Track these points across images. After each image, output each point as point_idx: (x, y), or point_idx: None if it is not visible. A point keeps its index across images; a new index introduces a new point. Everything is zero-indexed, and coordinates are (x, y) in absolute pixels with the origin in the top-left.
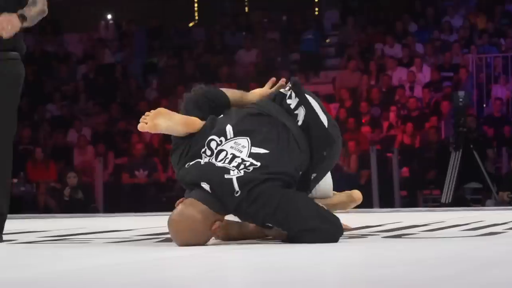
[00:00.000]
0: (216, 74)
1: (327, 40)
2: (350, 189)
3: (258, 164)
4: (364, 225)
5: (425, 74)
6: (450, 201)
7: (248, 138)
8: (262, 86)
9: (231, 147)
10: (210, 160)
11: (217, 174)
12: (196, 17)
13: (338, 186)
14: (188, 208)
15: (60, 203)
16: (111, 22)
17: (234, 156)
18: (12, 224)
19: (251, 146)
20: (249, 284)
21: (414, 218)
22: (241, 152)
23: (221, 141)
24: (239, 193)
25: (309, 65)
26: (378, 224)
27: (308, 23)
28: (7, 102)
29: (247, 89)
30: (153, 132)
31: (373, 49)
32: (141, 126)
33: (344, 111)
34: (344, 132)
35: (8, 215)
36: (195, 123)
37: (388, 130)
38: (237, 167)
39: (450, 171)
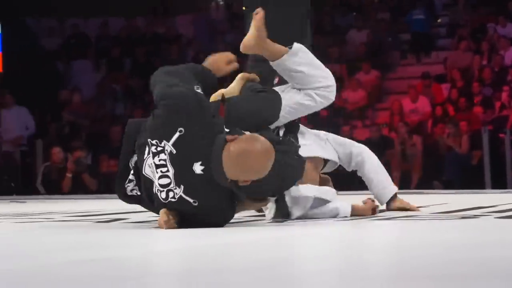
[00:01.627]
0: (326, 55)
1: (438, 20)
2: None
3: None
4: (476, 206)
5: None
6: None
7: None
8: (372, 66)
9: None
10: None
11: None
12: None
13: (450, 167)
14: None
15: None
16: (221, 3)
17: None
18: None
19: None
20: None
21: None
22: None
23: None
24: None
25: (420, 45)
26: (490, 205)
27: (418, 3)
28: None
29: (359, 69)
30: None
31: (485, 29)
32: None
33: (456, 91)
34: (456, 112)
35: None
36: None
37: (501, 111)
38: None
39: None
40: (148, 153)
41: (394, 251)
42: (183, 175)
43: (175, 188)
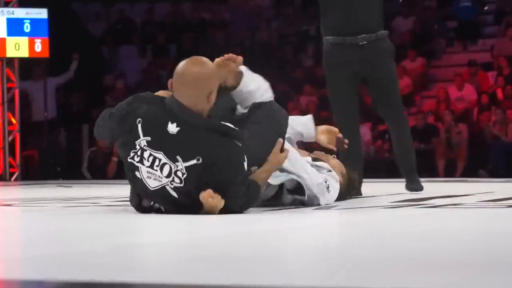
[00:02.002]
0: None
1: (485, 8)
2: (508, 159)
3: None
4: None
5: None
6: None
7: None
8: (418, 54)
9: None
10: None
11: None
12: None
13: (496, 156)
14: None
15: None
16: None
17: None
18: None
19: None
20: None
21: None
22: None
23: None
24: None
25: (467, 33)
26: None
27: None
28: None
29: (405, 56)
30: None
31: None
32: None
33: (502, 79)
34: (502, 100)
35: None
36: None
37: None
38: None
39: None
40: (140, 161)
41: (446, 239)
42: (163, 143)
43: (175, 167)
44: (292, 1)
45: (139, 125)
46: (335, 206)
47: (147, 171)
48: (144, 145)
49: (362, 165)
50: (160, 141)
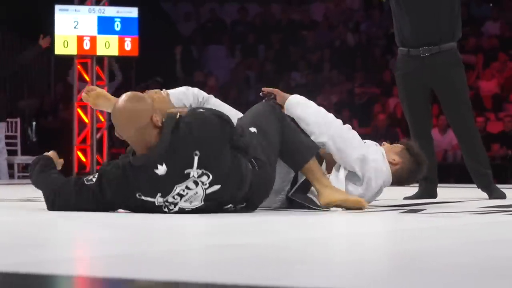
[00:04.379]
0: (462, 45)
1: None
2: None
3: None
4: None
5: None
6: None
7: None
8: (509, 58)
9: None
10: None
11: None
12: None
13: None
14: None
15: None
16: None
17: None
18: None
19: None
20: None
21: None
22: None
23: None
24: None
25: None
26: None
27: None
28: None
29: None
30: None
31: None
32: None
33: None
34: None
35: None
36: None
37: None
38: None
39: None
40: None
41: None
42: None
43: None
44: (381, 3)
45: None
46: (422, 210)
47: (184, 201)
48: (166, 200)
49: (436, 171)
50: (167, 185)
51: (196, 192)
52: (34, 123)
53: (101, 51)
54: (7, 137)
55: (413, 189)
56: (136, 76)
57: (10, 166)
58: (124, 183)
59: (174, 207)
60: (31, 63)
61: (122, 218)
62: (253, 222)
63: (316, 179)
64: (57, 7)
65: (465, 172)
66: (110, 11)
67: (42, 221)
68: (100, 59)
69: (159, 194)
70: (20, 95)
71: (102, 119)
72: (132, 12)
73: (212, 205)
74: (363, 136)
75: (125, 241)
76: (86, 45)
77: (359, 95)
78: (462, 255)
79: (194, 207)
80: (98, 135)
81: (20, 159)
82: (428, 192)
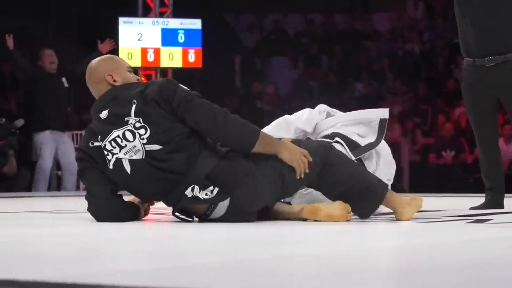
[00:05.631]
0: None
1: None
2: None
3: None
4: None
5: None
6: None
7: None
8: None
9: None
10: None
11: None
12: None
13: None
14: None
15: None
16: (420, 1)
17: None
18: None
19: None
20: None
21: None
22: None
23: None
24: None
25: None
26: None
27: None
28: None
29: None
30: None
31: None
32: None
33: None
34: None
35: None
36: None
37: None
38: None
39: None
40: (112, 154)
41: None
42: (110, 125)
43: (131, 125)
44: (445, 13)
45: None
46: (489, 220)
47: (124, 153)
48: (104, 145)
49: (503, 181)
50: (106, 128)
51: (135, 146)
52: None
53: (165, 63)
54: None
55: (479, 199)
56: (201, 87)
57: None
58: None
59: (112, 156)
60: None
61: (184, 228)
62: (310, 231)
63: None
64: (121, 20)
65: None
66: (174, 23)
67: (107, 233)
68: (164, 71)
69: (99, 137)
70: (84, 108)
71: None
72: (196, 24)
73: (156, 168)
74: (428, 146)
75: (186, 251)
76: (150, 57)
77: (422, 105)
78: None
79: (133, 158)
80: None
81: None
82: (494, 202)
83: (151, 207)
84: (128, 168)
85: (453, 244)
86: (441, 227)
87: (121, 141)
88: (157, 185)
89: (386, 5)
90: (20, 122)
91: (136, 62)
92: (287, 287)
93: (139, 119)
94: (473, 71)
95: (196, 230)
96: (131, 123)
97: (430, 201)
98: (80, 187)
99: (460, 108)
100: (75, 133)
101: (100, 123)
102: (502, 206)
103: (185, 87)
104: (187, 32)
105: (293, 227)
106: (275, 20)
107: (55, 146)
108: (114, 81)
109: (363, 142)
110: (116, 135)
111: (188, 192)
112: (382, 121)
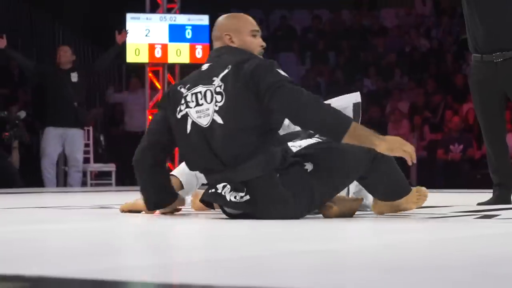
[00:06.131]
0: None
1: None
2: None
3: None
4: None
5: None
6: None
7: None
8: None
9: None
10: None
11: None
12: None
13: None
14: None
15: None
16: None
17: None
18: None
19: None
20: None
21: None
22: None
23: None
24: None
25: None
26: None
27: None
28: None
29: None
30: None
31: None
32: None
33: None
34: None
35: None
36: None
37: None
38: None
39: None
40: (187, 106)
41: None
42: (199, 79)
43: (213, 86)
44: (453, 10)
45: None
46: (496, 216)
47: (196, 111)
48: (186, 95)
49: (510, 177)
50: (197, 79)
51: (208, 109)
52: (101, 134)
53: (172, 58)
54: None
55: (487, 195)
56: None
57: (83, 173)
58: None
59: (185, 108)
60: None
61: (195, 224)
62: (328, 228)
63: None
64: (129, 16)
65: None
66: (181, 19)
67: (115, 228)
68: (171, 67)
69: (188, 85)
70: (92, 104)
71: None
72: (203, 19)
73: (207, 144)
74: (436, 142)
75: (207, 246)
76: (158, 53)
77: (430, 101)
78: None
79: (199, 123)
80: None
81: (92, 166)
82: (502, 198)
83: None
84: (188, 128)
85: (460, 239)
86: (449, 223)
87: (201, 98)
88: (200, 160)
89: (394, 1)
90: (22, 114)
91: (144, 58)
92: (287, 283)
93: (222, 85)
94: (481, 67)
95: (202, 228)
96: (214, 85)
97: (438, 197)
98: (87, 183)
99: (468, 104)
100: (87, 129)
101: (198, 73)
102: (509, 202)
103: (282, 72)
104: (195, 28)
105: (298, 224)
106: (281, 16)
107: (62, 142)
108: (232, 42)
109: None
110: (199, 90)
111: (219, 187)
112: (355, 105)
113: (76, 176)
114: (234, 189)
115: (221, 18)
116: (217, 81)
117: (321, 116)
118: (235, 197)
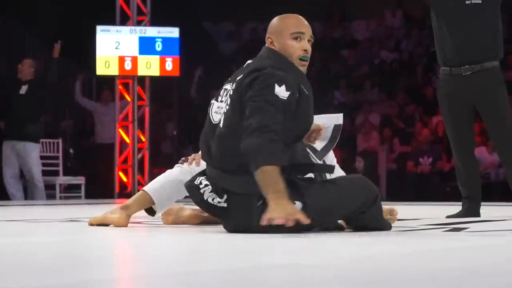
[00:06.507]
0: (502, 64)
1: None
2: None
3: None
4: None
5: None
6: None
7: None
8: None
9: None
10: None
11: None
12: None
13: None
14: None
15: None
16: (398, 10)
17: None
18: None
19: None
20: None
21: None
22: None
23: None
24: None
25: None
26: None
27: None
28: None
29: None
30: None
31: None
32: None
33: None
34: None
35: None
36: None
37: None
38: None
39: None
40: (216, 99)
41: None
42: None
43: (231, 86)
44: (423, 22)
45: None
46: (465, 229)
47: (217, 106)
48: (224, 87)
49: (480, 189)
50: (234, 76)
51: (222, 108)
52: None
53: (142, 71)
54: (48, 157)
55: (456, 208)
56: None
57: (52, 186)
58: None
59: (216, 100)
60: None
61: (165, 236)
62: (291, 242)
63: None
64: (99, 28)
65: (508, 191)
66: (152, 31)
67: (86, 241)
68: (141, 79)
69: (230, 78)
70: (61, 116)
71: (143, 139)
72: (174, 32)
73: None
74: (406, 155)
75: (171, 260)
76: (128, 66)
77: (400, 113)
78: (506, 274)
79: (213, 117)
80: (140, 155)
81: (61, 179)
82: (471, 210)
83: None
84: (211, 116)
85: (429, 253)
86: (418, 236)
87: (225, 95)
88: (204, 148)
89: (364, 13)
90: None
91: (114, 71)
92: None
93: (231, 90)
94: (450, 80)
95: (184, 238)
96: (231, 88)
97: (408, 210)
98: (56, 196)
99: (438, 116)
100: (45, 142)
101: (239, 68)
102: (478, 215)
103: (283, 91)
104: (165, 40)
105: (277, 238)
106: (252, 29)
107: (15, 155)
108: (272, 45)
109: (319, 146)
110: (226, 87)
111: (203, 183)
112: (336, 126)
113: (34, 189)
114: (215, 191)
115: (272, 21)
116: (234, 84)
117: (252, 141)
118: (212, 199)
